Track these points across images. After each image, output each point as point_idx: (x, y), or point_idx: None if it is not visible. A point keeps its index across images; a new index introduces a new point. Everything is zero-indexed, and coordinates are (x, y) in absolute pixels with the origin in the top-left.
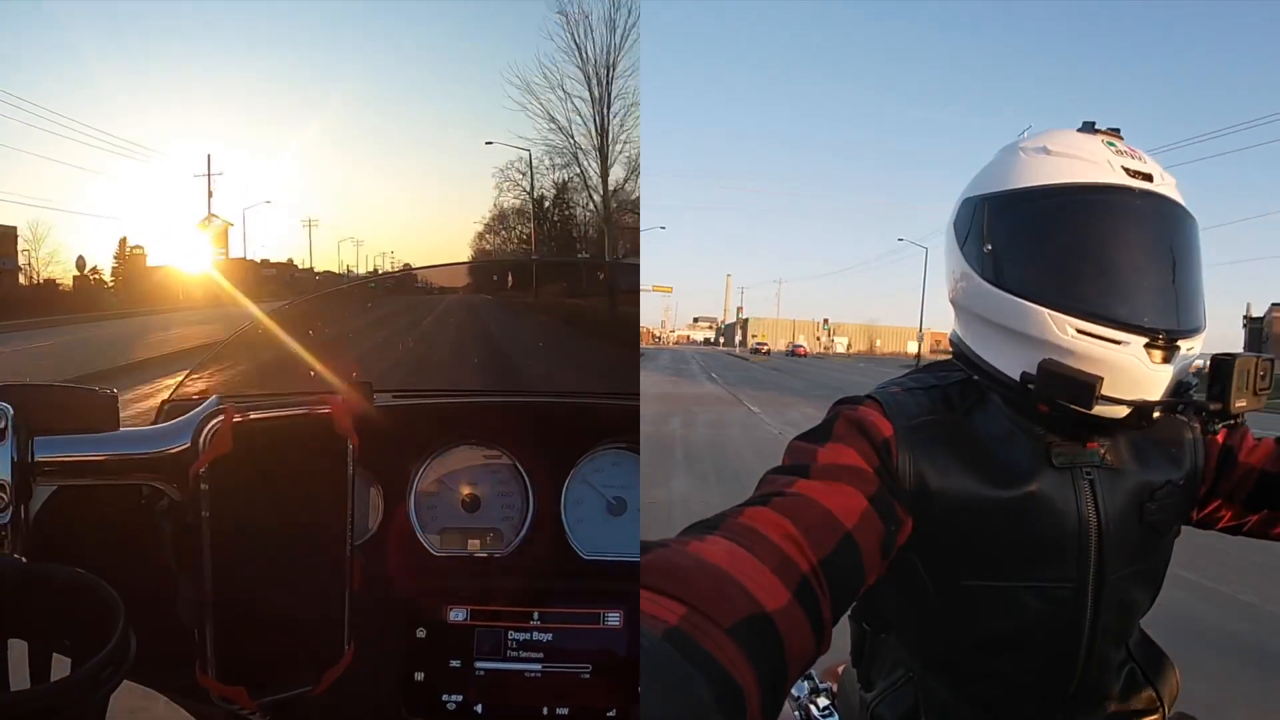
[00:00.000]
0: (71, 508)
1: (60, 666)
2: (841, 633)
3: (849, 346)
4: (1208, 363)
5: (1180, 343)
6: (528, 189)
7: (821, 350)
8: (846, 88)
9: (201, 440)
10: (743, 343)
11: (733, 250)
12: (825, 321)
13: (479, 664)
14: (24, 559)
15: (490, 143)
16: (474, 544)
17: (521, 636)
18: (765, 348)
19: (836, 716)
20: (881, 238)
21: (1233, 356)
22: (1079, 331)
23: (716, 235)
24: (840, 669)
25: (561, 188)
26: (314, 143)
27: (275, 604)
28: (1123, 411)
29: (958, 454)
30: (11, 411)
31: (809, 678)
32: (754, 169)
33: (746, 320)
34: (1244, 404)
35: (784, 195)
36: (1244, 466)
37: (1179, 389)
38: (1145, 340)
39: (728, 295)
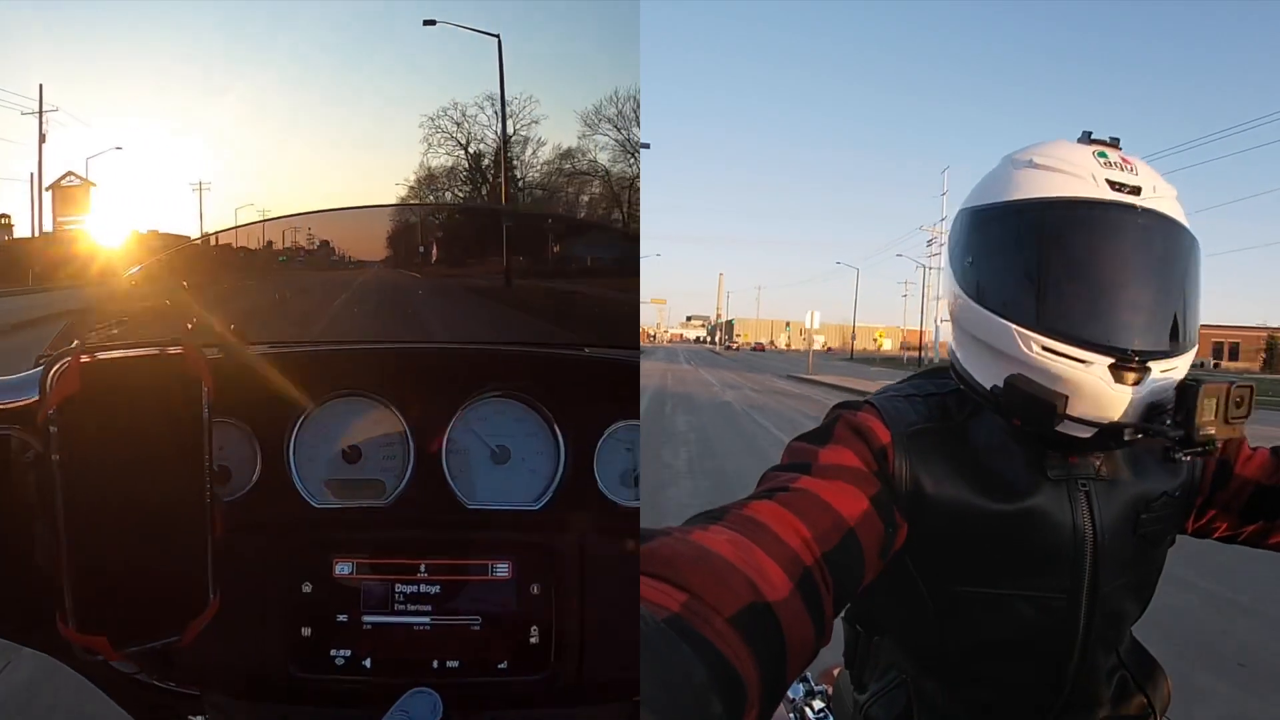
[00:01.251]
0: None
1: None
2: (838, 637)
3: (824, 344)
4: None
5: (1152, 364)
6: (461, 141)
7: (785, 346)
8: (838, 92)
9: (48, 383)
10: (722, 341)
11: (725, 253)
12: (788, 324)
13: (366, 618)
14: None
15: (431, 22)
16: (357, 496)
17: (409, 589)
18: (735, 345)
19: (831, 719)
20: (849, 249)
21: (1197, 382)
22: (1044, 349)
23: (709, 239)
24: (836, 672)
25: (505, 142)
26: (201, 91)
27: (134, 551)
28: (1088, 432)
29: (954, 462)
30: None
31: (804, 680)
32: (744, 176)
33: (730, 322)
34: (1213, 431)
35: (770, 202)
36: (1239, 478)
37: (1150, 412)
38: (1110, 360)
39: (720, 293)
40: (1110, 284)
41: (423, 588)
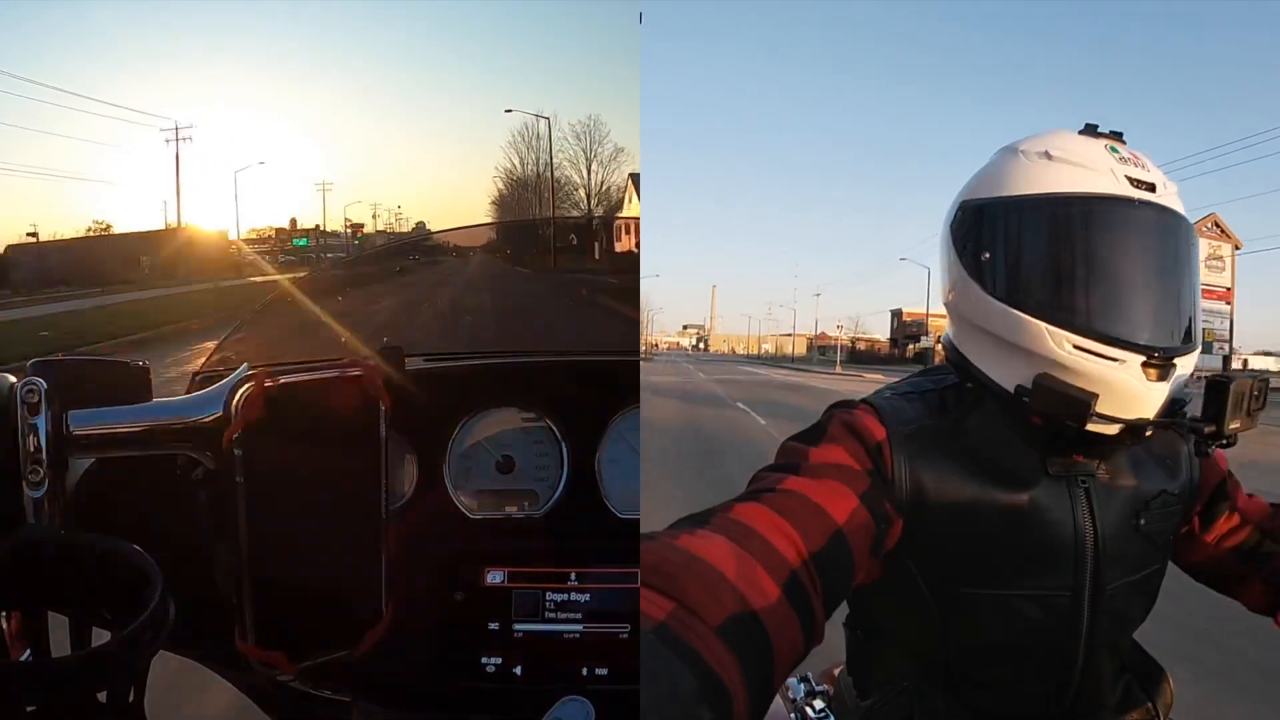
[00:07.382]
0: (108, 480)
1: (100, 640)
2: (838, 634)
3: (774, 350)
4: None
5: (1176, 361)
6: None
7: (729, 350)
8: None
9: (234, 406)
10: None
11: (718, 267)
12: (725, 341)
13: (517, 626)
14: (62, 530)
15: (510, 110)
16: (510, 506)
17: (559, 597)
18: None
19: (832, 719)
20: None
21: (1228, 379)
22: (1076, 348)
23: (702, 253)
24: (836, 672)
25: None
26: (319, 101)
27: (312, 568)
28: (1116, 429)
29: (953, 460)
30: (45, 385)
31: (805, 680)
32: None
33: (706, 336)
34: (1238, 425)
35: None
36: (1241, 512)
37: (1173, 407)
38: (1142, 359)
39: (713, 304)
40: (1142, 283)
41: (573, 596)
